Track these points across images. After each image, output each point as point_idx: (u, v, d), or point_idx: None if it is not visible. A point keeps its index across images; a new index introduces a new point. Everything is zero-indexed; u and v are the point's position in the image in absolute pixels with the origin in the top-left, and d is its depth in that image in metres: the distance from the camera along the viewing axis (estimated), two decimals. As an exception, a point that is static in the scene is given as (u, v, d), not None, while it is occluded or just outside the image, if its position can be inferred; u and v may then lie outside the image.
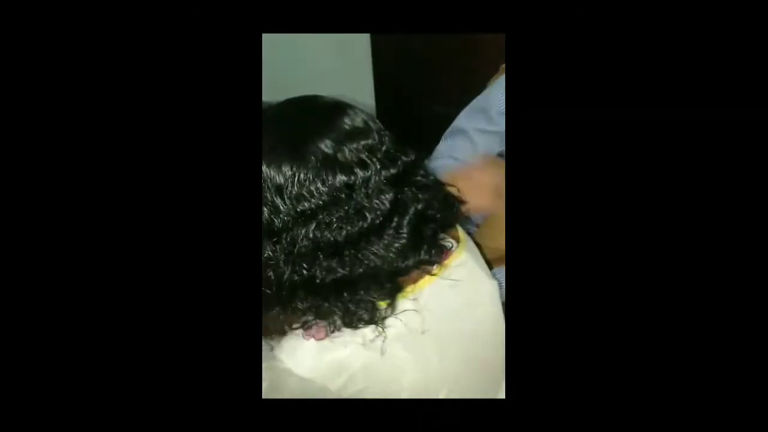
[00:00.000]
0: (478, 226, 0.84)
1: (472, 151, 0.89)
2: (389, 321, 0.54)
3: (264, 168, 0.50)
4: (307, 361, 0.54)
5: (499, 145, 0.88)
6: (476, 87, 0.94)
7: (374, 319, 0.54)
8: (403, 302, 0.56)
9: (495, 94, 0.86)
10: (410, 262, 0.55)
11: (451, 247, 0.61)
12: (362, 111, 0.55)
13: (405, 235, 0.54)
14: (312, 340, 0.54)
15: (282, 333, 0.55)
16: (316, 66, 1.86)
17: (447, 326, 0.58)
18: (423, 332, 0.56)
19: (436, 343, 0.57)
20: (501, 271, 0.77)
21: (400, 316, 0.55)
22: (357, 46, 1.87)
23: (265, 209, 0.51)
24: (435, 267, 0.58)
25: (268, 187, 0.51)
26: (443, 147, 0.93)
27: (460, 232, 0.66)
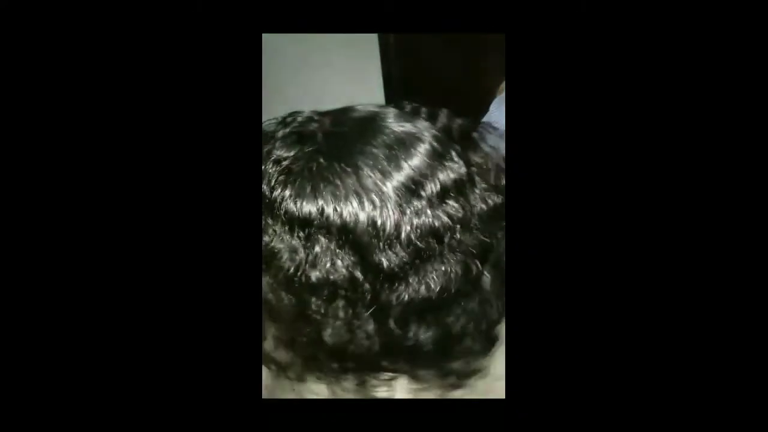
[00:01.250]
0: None
1: None
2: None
3: (340, 210, 0.40)
4: None
5: None
6: (485, 94, 0.94)
7: (477, 374, 0.48)
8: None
9: None
10: (500, 309, 0.48)
11: None
12: (441, 136, 0.46)
13: (497, 284, 0.47)
14: None
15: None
16: (326, 75, 1.86)
17: None
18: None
19: None
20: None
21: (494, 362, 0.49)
22: (368, 57, 1.87)
23: (340, 263, 0.41)
24: None
25: (343, 236, 0.41)
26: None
27: None
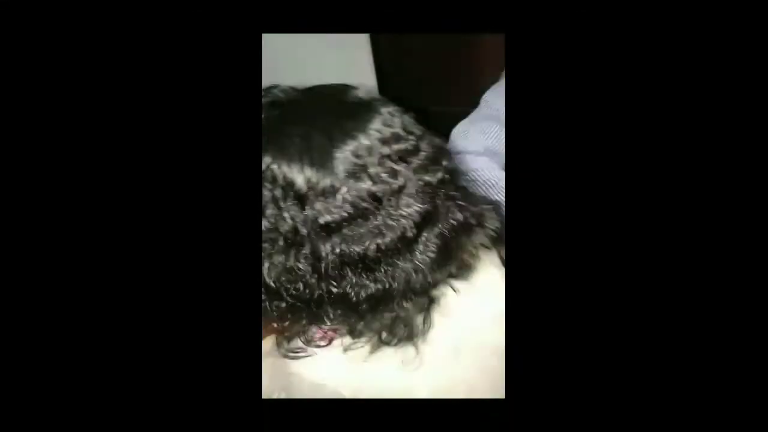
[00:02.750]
0: None
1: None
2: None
3: (284, 168, 0.46)
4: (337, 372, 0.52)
5: None
6: (480, 86, 0.93)
7: (413, 335, 0.51)
8: (437, 318, 0.53)
9: None
10: (439, 276, 0.51)
11: (476, 262, 0.56)
12: (400, 111, 0.50)
13: (434, 250, 0.50)
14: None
15: (306, 346, 0.52)
16: (319, 68, 1.85)
17: (477, 339, 0.55)
18: (456, 348, 0.53)
19: (467, 354, 0.55)
20: None
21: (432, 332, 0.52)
22: (359, 49, 1.86)
23: (287, 215, 0.46)
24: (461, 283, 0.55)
25: (286, 190, 0.46)
26: (473, 130, 0.87)
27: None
